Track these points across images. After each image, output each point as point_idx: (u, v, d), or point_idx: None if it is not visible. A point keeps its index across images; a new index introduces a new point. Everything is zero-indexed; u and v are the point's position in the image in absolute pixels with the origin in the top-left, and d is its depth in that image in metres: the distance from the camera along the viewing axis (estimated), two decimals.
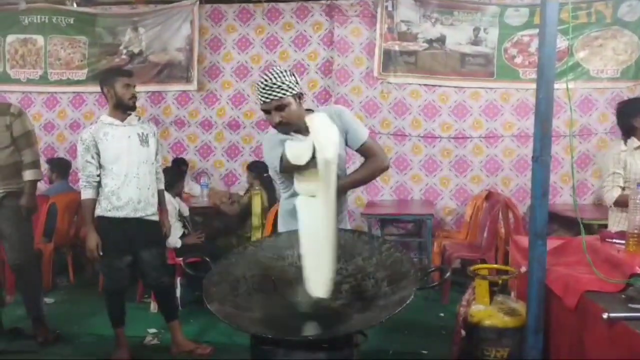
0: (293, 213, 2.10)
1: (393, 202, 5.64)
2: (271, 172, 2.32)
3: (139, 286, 4.24)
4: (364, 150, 2.26)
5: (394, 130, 5.71)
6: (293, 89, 2.03)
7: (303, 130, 2.08)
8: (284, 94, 2.01)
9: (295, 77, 2.07)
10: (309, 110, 2.19)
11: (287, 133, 2.10)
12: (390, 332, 3.55)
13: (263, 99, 2.02)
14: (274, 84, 1.99)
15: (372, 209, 5.23)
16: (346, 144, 2.27)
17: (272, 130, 2.21)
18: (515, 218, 4.37)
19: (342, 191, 2.16)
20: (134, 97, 3.11)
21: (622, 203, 3.06)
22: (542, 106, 1.95)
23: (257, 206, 4.62)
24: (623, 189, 3.07)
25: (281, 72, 2.02)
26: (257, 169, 5.05)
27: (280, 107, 2.03)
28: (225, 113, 5.99)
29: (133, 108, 3.14)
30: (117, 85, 3.06)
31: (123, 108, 3.10)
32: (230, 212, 4.98)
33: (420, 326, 3.77)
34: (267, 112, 2.07)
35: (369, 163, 2.26)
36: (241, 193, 5.36)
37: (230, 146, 6.01)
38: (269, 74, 2.02)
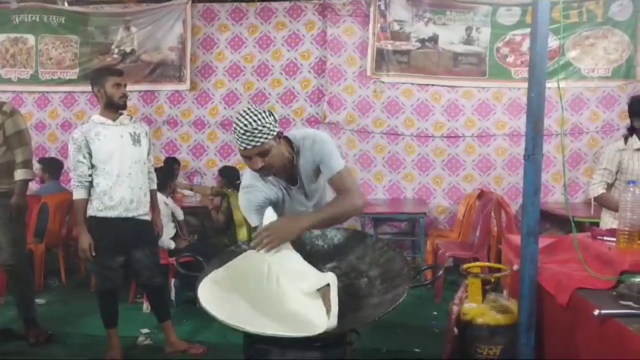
0: None
1: (386, 201, 5.65)
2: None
3: (132, 286, 4.22)
4: (334, 183, 2.07)
5: (387, 129, 5.72)
6: (274, 131, 1.92)
7: (286, 168, 2.05)
8: (266, 139, 1.90)
9: (273, 116, 1.95)
10: (285, 138, 2.09)
11: (268, 176, 2.07)
12: (383, 330, 3.55)
13: (243, 145, 1.89)
14: (255, 128, 1.87)
15: (366, 207, 5.22)
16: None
17: (248, 172, 2.13)
18: (508, 216, 4.38)
19: (306, 230, 2.00)
20: (124, 96, 3.09)
21: (602, 201, 3.09)
22: (534, 105, 1.96)
23: (236, 208, 4.62)
24: (611, 186, 3.10)
25: (260, 114, 1.90)
26: (228, 175, 5.03)
27: (262, 153, 1.92)
28: (218, 112, 5.97)
29: (124, 107, 3.12)
30: (108, 84, 3.04)
31: (114, 107, 3.08)
32: (218, 221, 4.98)
33: (413, 325, 3.78)
34: (247, 157, 1.95)
35: (339, 200, 2.03)
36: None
37: (223, 145, 6.00)
38: (248, 117, 1.88)
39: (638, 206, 1.97)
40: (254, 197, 2.11)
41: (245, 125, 1.87)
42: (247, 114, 1.90)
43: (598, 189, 3.10)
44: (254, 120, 1.88)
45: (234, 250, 2.13)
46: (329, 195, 2.27)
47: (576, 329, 1.74)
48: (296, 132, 2.16)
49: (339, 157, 2.09)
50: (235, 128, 1.91)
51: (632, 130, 3.13)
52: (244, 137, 1.88)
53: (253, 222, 2.12)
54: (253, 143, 1.89)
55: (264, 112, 1.93)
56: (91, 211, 3.06)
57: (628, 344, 1.40)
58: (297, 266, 1.89)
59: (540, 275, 2.01)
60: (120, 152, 3.05)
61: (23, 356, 3.33)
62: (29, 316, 3.55)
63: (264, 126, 1.89)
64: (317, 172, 2.14)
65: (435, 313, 4.02)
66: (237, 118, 1.91)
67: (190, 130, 6.02)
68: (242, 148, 1.92)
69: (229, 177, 4.97)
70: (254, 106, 1.96)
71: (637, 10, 5.37)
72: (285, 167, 2.07)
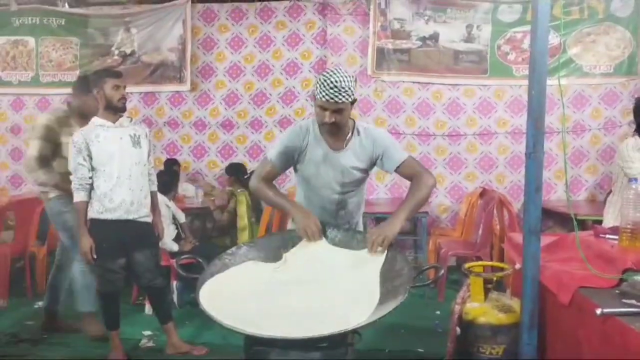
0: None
1: (388, 201, 5.64)
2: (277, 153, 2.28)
3: (134, 288, 4.21)
4: (404, 171, 2.24)
5: (388, 128, 5.70)
6: (354, 95, 2.08)
7: (345, 130, 2.20)
8: (347, 100, 2.05)
9: (356, 83, 2.12)
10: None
11: (329, 133, 2.18)
12: (386, 330, 3.54)
13: (327, 97, 2.03)
14: (342, 87, 2.02)
15: (367, 207, 5.11)
16: (382, 168, 2.30)
17: (299, 124, 2.31)
18: (510, 215, 4.37)
19: (405, 221, 2.12)
20: (123, 98, 3.07)
21: None
22: (535, 103, 1.95)
23: (242, 208, 4.62)
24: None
25: (349, 76, 2.05)
26: (235, 171, 5.02)
27: (338, 111, 2.07)
28: (219, 113, 5.97)
29: (123, 109, 3.10)
30: (106, 86, 3.03)
31: (113, 110, 3.07)
32: (221, 222, 4.98)
33: (416, 325, 3.76)
34: (323, 109, 2.08)
35: (417, 185, 2.18)
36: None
37: (224, 146, 5.99)
38: (340, 75, 2.03)
39: None
40: (295, 138, 2.24)
41: (336, 81, 2.01)
42: (339, 72, 2.06)
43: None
44: (344, 80, 2.03)
45: (234, 252, 2.13)
46: (362, 197, 2.44)
47: (579, 328, 1.73)
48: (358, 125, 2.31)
49: (401, 149, 2.31)
50: (324, 81, 2.04)
51: (638, 130, 3.11)
52: (332, 91, 2.02)
53: (270, 152, 2.28)
54: (336, 99, 2.03)
55: (352, 76, 2.09)
56: (92, 213, 3.05)
57: (631, 343, 1.39)
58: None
59: (542, 274, 2.00)
60: (120, 154, 3.05)
61: (27, 357, 3.32)
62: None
63: (349, 88, 2.04)
64: (366, 162, 2.26)
65: (438, 312, 4.01)
66: (328, 74, 2.06)
67: (191, 131, 6.02)
68: (324, 99, 2.04)
69: (237, 174, 4.97)
70: (342, 68, 2.11)
71: (638, 6, 5.34)
72: (340, 132, 2.21)
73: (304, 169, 2.29)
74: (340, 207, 2.32)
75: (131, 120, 3.21)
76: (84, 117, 3.30)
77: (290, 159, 2.27)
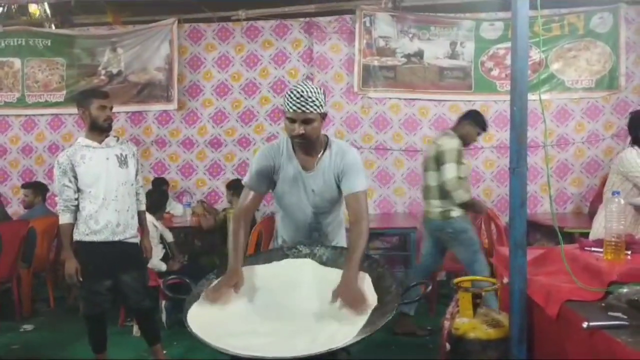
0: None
1: (377, 216, 5.64)
2: (250, 177, 2.25)
3: (122, 310, 4.16)
4: (350, 201, 2.14)
5: (376, 144, 5.75)
6: (322, 107, 2.08)
7: (317, 148, 2.18)
8: (315, 110, 2.05)
9: (325, 97, 2.12)
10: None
11: (300, 147, 2.17)
12: (377, 347, 3.53)
13: (294, 108, 2.03)
14: (309, 97, 2.02)
15: None
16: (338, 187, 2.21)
17: (271, 143, 2.30)
18: (498, 229, 4.38)
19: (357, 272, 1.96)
20: (109, 118, 3.05)
21: None
22: (517, 118, 1.98)
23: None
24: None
25: (316, 89, 2.07)
26: (236, 187, 5.02)
27: (307, 121, 2.06)
28: (207, 131, 5.97)
29: (108, 130, 3.08)
30: (92, 107, 3.00)
31: (98, 130, 3.04)
32: (206, 226, 4.92)
33: (407, 340, 3.75)
34: (292, 121, 2.07)
35: (358, 237, 2.05)
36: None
37: (212, 164, 5.99)
38: (306, 87, 2.05)
39: (624, 217, 1.98)
40: (264, 159, 2.23)
41: (303, 92, 2.02)
42: (306, 84, 2.07)
43: None
44: (311, 91, 2.04)
45: (220, 273, 2.11)
46: (338, 218, 2.38)
47: (566, 341, 1.74)
48: (334, 138, 2.31)
49: (363, 178, 2.18)
50: (291, 92, 2.04)
51: (636, 143, 3.14)
52: (298, 101, 2.02)
53: (246, 178, 2.25)
54: (304, 109, 2.02)
55: (320, 88, 2.10)
56: (77, 235, 3.01)
57: (617, 356, 1.40)
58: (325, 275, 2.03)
59: (529, 288, 2.01)
60: (107, 175, 3.02)
61: None
62: None
63: (316, 99, 2.04)
64: (334, 181, 2.21)
65: (429, 328, 4.00)
66: (294, 86, 2.07)
67: (179, 150, 6.01)
68: (292, 110, 2.03)
69: (238, 190, 4.95)
70: (310, 82, 2.15)
71: (617, 22, 5.47)
72: (312, 150, 2.19)
73: (278, 188, 2.26)
74: (313, 228, 2.28)
75: (118, 140, 3.19)
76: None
77: (267, 179, 2.23)
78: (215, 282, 2.00)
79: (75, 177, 2.97)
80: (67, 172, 2.96)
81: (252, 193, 2.23)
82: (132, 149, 3.25)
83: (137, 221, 3.22)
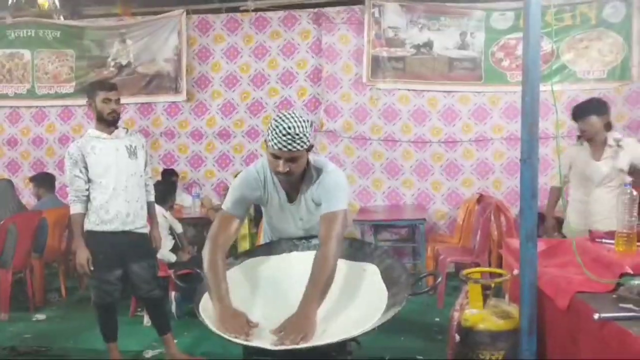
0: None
1: (385, 208, 5.65)
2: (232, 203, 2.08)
3: (132, 300, 4.20)
4: (325, 220, 1.94)
5: (385, 135, 5.73)
6: (309, 142, 1.92)
7: (300, 179, 2.03)
8: (302, 147, 1.89)
9: (312, 128, 1.96)
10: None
11: (284, 181, 2.04)
12: (385, 338, 3.54)
13: (280, 145, 1.86)
14: (296, 134, 1.85)
15: (364, 215, 5.23)
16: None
17: (253, 168, 2.12)
18: (507, 221, 4.38)
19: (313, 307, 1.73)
20: (113, 111, 3.05)
21: None
22: (528, 109, 1.96)
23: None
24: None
25: (304, 122, 1.89)
26: None
27: (293, 159, 1.91)
28: (215, 123, 5.98)
29: (113, 123, 3.08)
30: (97, 99, 3.02)
31: (104, 122, 3.07)
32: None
33: (416, 332, 3.76)
34: (275, 157, 1.91)
35: (323, 261, 1.83)
36: None
37: (221, 156, 6.00)
38: (293, 121, 1.86)
39: (635, 208, 1.97)
40: (248, 189, 2.07)
41: (290, 128, 1.85)
42: (293, 117, 1.88)
43: None
44: (298, 126, 1.86)
45: (232, 262, 2.13)
46: None
47: (577, 333, 1.74)
48: (318, 159, 2.12)
49: (343, 199, 1.99)
50: (276, 127, 1.87)
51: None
52: (284, 138, 1.85)
53: (226, 203, 2.06)
54: (290, 147, 1.87)
55: (307, 120, 1.92)
56: (88, 225, 3.05)
57: (628, 347, 1.39)
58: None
59: (539, 279, 2.00)
60: (116, 165, 3.05)
61: None
62: None
63: (304, 135, 1.88)
64: (318, 207, 2.06)
65: (437, 319, 4.00)
66: (280, 119, 1.89)
67: (187, 141, 6.03)
68: (277, 148, 1.87)
69: None
70: (297, 112, 1.95)
71: (630, 11, 5.39)
72: (295, 182, 2.06)
73: (266, 210, 2.21)
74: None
75: (127, 131, 3.21)
76: None
77: (249, 205, 2.13)
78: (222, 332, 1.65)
79: (86, 168, 3.01)
80: (77, 163, 2.99)
81: (232, 219, 2.04)
82: (142, 141, 3.27)
83: (146, 212, 3.24)
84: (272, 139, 1.88)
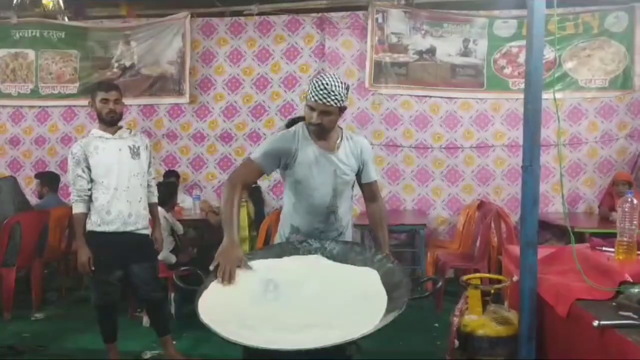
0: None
1: (387, 212, 5.63)
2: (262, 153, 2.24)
3: (130, 300, 4.19)
4: (369, 188, 2.41)
5: (386, 141, 5.74)
6: (342, 102, 2.15)
7: (333, 136, 2.25)
8: (335, 104, 2.12)
9: (347, 91, 2.18)
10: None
11: (316, 135, 2.22)
12: (384, 342, 3.53)
13: (316, 98, 2.10)
14: (332, 90, 2.08)
15: (365, 219, 5.21)
16: (357, 178, 2.39)
17: (289, 130, 2.31)
18: (508, 227, 4.38)
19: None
20: (111, 112, 3.05)
21: None
22: (531, 116, 1.97)
23: (242, 218, 4.61)
24: None
25: (340, 83, 2.13)
26: None
27: (325, 112, 2.13)
28: (218, 125, 6.00)
29: (112, 123, 3.09)
30: (97, 99, 3.04)
31: (104, 122, 3.08)
32: (215, 223, 4.95)
33: (414, 337, 3.76)
34: (311, 109, 2.14)
35: (379, 213, 2.45)
36: None
37: (223, 158, 6.01)
38: (331, 79, 2.11)
39: (636, 216, 1.97)
40: (285, 141, 2.24)
41: (327, 84, 2.09)
42: (332, 76, 2.13)
43: None
44: (334, 84, 2.10)
45: None
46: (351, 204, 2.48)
47: (576, 340, 1.74)
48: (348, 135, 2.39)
49: (376, 167, 2.50)
50: (316, 82, 2.11)
51: None
52: (322, 92, 2.09)
53: (255, 153, 2.23)
54: (324, 100, 2.10)
55: (344, 83, 2.16)
56: (89, 225, 3.04)
57: (628, 355, 1.40)
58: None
59: (539, 286, 2.01)
60: (119, 166, 3.05)
61: None
62: None
63: (339, 93, 2.11)
64: (355, 166, 2.34)
65: (436, 325, 4.00)
66: (321, 76, 2.14)
67: (189, 143, 6.04)
68: (313, 100, 2.11)
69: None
70: (335, 74, 2.17)
71: (632, 21, 5.41)
72: (328, 136, 2.26)
73: (295, 173, 2.25)
74: (331, 211, 2.30)
75: (131, 132, 3.22)
76: None
77: (277, 161, 2.23)
78: (216, 262, 1.94)
79: (89, 168, 3.01)
80: (80, 163, 3.00)
81: (257, 169, 2.22)
82: (145, 141, 3.27)
83: (149, 213, 3.24)
84: (311, 93, 2.13)
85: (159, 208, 3.65)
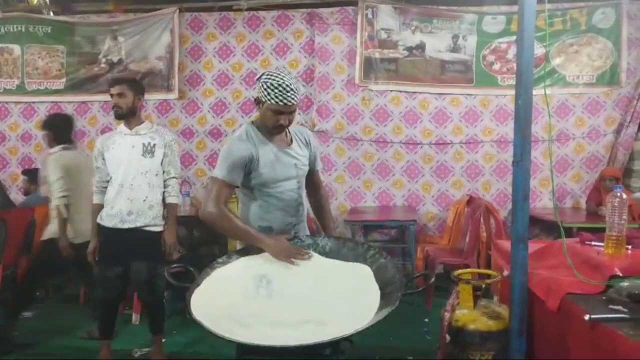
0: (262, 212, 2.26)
1: (376, 209, 5.66)
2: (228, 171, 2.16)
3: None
4: (315, 176, 2.47)
5: (376, 137, 5.74)
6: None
7: (284, 136, 2.27)
8: (298, 100, 2.12)
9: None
10: None
11: (275, 134, 2.21)
12: (375, 338, 3.54)
13: (286, 101, 2.06)
14: (294, 89, 2.07)
15: (355, 215, 5.24)
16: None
17: (237, 135, 2.23)
18: (497, 222, 4.41)
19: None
20: (115, 106, 3.09)
21: None
22: (522, 112, 1.98)
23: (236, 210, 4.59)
24: None
25: (295, 77, 2.15)
26: None
27: (292, 112, 2.13)
28: (207, 121, 5.96)
29: (118, 117, 3.13)
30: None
31: (115, 117, 3.17)
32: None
33: (405, 332, 3.77)
34: (278, 112, 2.09)
35: (323, 198, 2.55)
36: None
37: (212, 154, 5.97)
38: (290, 77, 2.08)
39: (625, 211, 1.99)
40: (243, 148, 2.15)
41: (290, 84, 2.05)
42: (288, 74, 2.12)
43: None
44: (293, 81, 2.09)
45: (225, 261, 2.12)
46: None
47: (567, 334, 1.76)
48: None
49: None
50: (278, 85, 2.04)
51: None
52: (288, 94, 2.05)
53: (221, 172, 2.13)
54: (294, 100, 2.08)
55: (295, 76, 2.12)
56: (98, 218, 3.13)
57: (618, 348, 1.41)
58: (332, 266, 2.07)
59: (530, 281, 2.02)
60: (127, 162, 3.06)
61: None
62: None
63: (298, 88, 2.11)
64: (308, 154, 2.38)
65: (426, 320, 4.02)
66: (278, 77, 2.06)
67: (178, 139, 5.98)
68: (282, 104, 2.07)
69: None
70: (284, 70, 2.18)
71: (619, 17, 5.47)
72: (282, 135, 2.27)
73: (261, 175, 2.19)
74: (299, 203, 2.32)
75: (152, 127, 3.18)
76: None
77: (242, 170, 2.15)
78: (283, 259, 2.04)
79: (104, 161, 3.11)
80: (98, 157, 3.12)
81: (228, 185, 2.14)
82: (165, 138, 3.16)
83: (159, 212, 3.14)
84: (276, 96, 2.05)
85: None
